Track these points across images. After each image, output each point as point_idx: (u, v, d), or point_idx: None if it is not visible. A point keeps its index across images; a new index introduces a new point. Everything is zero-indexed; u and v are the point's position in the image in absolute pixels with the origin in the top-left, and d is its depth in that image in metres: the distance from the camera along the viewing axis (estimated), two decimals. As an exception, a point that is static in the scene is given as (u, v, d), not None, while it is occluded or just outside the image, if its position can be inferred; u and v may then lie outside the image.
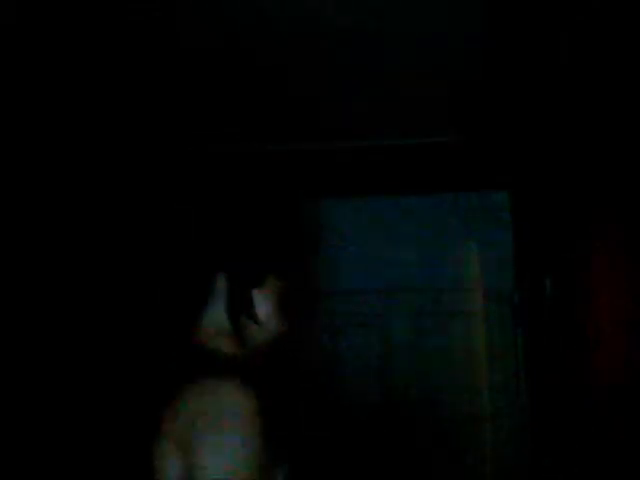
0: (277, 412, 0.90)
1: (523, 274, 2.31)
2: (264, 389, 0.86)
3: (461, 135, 2.16)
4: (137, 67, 1.69)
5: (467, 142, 2.19)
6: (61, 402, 1.47)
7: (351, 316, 2.48)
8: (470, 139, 2.18)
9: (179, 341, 0.98)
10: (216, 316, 0.97)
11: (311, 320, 2.37)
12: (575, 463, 1.97)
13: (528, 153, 2.25)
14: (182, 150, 2.25)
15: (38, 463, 1.36)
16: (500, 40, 1.58)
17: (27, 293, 1.52)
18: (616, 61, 1.68)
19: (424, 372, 2.39)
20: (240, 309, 0.97)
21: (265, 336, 1.00)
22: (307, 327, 2.31)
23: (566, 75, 1.76)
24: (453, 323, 2.41)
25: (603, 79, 1.78)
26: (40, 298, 1.55)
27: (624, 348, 1.92)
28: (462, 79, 1.79)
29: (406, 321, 2.43)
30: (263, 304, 0.99)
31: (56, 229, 1.64)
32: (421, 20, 1.49)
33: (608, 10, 1.45)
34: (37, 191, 1.69)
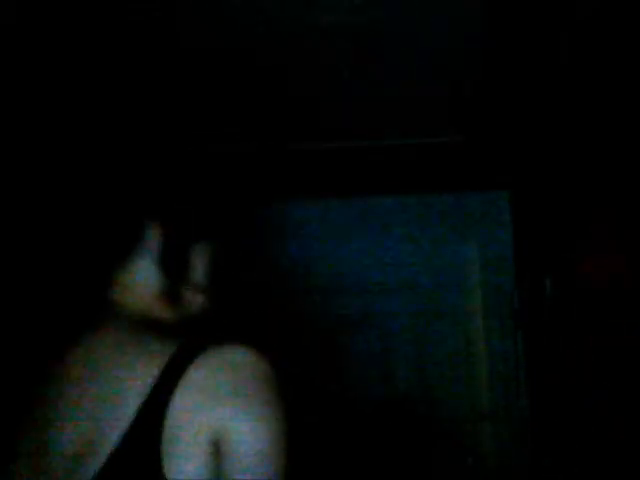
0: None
1: (523, 274, 2.30)
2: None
3: (461, 135, 2.16)
4: (136, 67, 1.69)
5: (467, 142, 2.19)
6: None
7: (351, 316, 2.48)
8: (470, 139, 2.17)
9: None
10: (143, 273, 0.83)
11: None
12: (575, 463, 1.97)
13: (528, 153, 2.25)
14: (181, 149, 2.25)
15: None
16: (500, 40, 1.58)
17: None
18: (616, 61, 1.68)
19: (424, 372, 2.39)
20: (173, 267, 0.82)
21: (197, 305, 0.86)
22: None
23: (566, 75, 1.76)
24: (453, 323, 2.41)
25: (603, 79, 1.78)
26: None
27: (624, 348, 1.92)
28: (462, 79, 1.79)
29: (406, 321, 2.43)
30: (198, 267, 0.86)
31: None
32: (421, 20, 1.49)
33: (608, 10, 1.45)
34: (31, 188, 1.69)
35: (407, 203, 2.57)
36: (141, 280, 0.83)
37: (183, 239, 0.84)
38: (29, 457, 0.76)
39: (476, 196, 2.50)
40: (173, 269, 0.83)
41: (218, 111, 2.00)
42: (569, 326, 2.05)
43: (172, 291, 0.83)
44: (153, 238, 0.83)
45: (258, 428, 0.72)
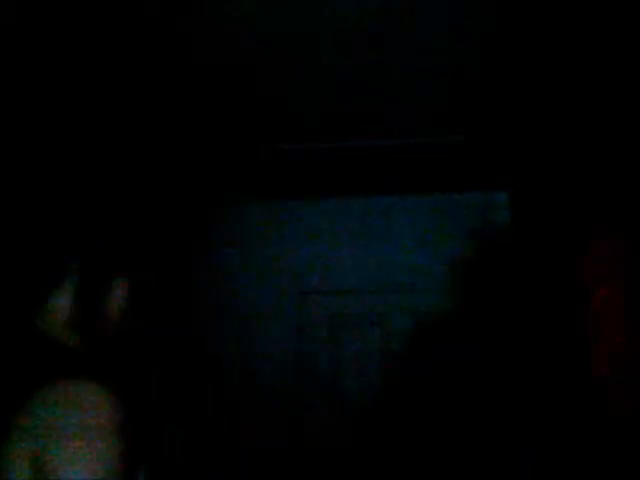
0: (138, 414, 0.89)
1: (522, 274, 2.31)
2: (124, 390, 0.85)
3: (461, 135, 2.16)
4: (134, 68, 1.69)
5: (467, 142, 2.20)
6: None
7: (351, 316, 2.48)
8: (470, 139, 2.18)
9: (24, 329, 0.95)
10: (63, 305, 0.95)
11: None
12: (577, 462, 1.98)
13: (528, 153, 2.25)
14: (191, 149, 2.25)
15: None
16: (500, 40, 1.58)
17: None
18: (616, 63, 1.68)
19: (424, 371, 2.40)
20: (88, 301, 0.96)
21: (108, 334, 0.99)
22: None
23: (566, 75, 1.76)
24: (453, 323, 2.41)
25: (603, 80, 1.78)
26: None
27: (623, 347, 1.93)
28: (462, 79, 1.79)
29: (406, 321, 2.44)
30: (112, 300, 0.98)
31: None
32: (422, 20, 1.49)
33: (607, 13, 1.45)
34: (46, 190, 1.69)
35: (407, 203, 2.58)
36: (60, 311, 0.95)
37: (99, 275, 0.96)
38: None
39: (476, 196, 2.50)
40: (87, 302, 0.95)
41: (223, 113, 2.01)
42: (569, 326, 2.05)
43: (84, 322, 0.95)
44: (73, 274, 0.95)
45: (80, 473, 0.78)
